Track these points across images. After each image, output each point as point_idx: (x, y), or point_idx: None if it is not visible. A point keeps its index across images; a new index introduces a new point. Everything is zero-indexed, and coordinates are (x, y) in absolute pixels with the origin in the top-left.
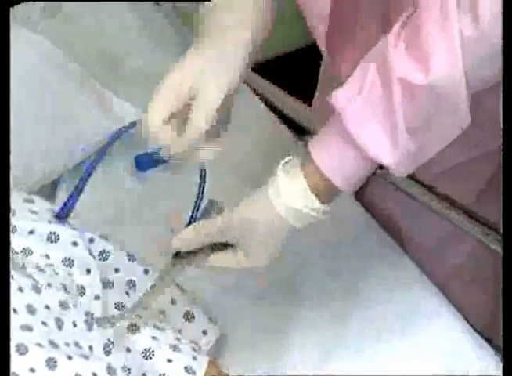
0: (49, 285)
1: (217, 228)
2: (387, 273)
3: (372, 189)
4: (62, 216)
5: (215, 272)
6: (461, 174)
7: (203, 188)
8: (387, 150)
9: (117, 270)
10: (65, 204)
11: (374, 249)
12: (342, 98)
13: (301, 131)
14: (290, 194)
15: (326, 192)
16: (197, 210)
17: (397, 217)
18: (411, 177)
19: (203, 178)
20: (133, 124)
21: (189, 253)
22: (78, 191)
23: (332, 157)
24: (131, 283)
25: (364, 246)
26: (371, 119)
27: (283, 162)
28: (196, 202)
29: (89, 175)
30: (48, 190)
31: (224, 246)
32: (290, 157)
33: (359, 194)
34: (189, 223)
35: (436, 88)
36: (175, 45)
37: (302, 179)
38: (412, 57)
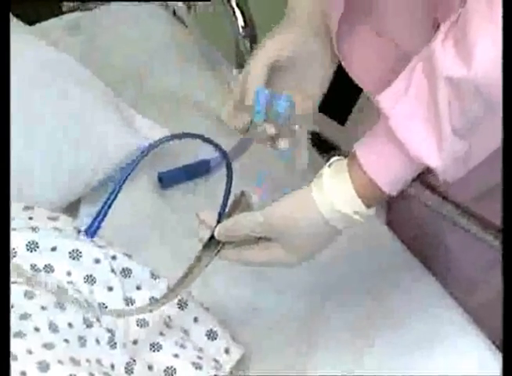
0: (73, 302)
1: (258, 221)
2: (410, 292)
3: (408, 209)
4: (90, 234)
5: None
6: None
7: (231, 181)
8: (433, 151)
9: (138, 288)
10: (92, 223)
11: (398, 268)
12: (388, 98)
13: (325, 148)
14: (334, 196)
15: (370, 195)
16: (225, 204)
17: (438, 241)
18: (447, 198)
19: (229, 171)
20: (159, 142)
21: (218, 243)
22: (106, 209)
23: (378, 159)
24: (154, 301)
25: (388, 265)
26: (417, 120)
27: (329, 162)
28: (224, 195)
29: (117, 193)
30: (72, 207)
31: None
32: (338, 158)
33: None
34: (220, 216)
35: (479, 82)
36: (199, 63)
37: (348, 182)
38: (458, 51)
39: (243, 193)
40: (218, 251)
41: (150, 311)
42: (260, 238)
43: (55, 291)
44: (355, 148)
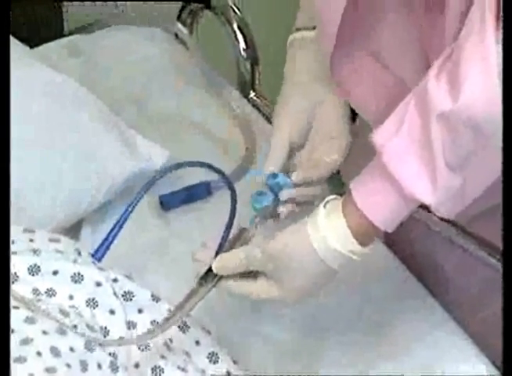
0: (75, 327)
1: (254, 255)
2: (412, 315)
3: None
4: (98, 257)
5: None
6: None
7: (234, 214)
8: (428, 188)
9: (140, 311)
10: (101, 246)
11: (399, 291)
12: (382, 135)
13: None
14: (329, 235)
15: (366, 233)
16: (227, 236)
17: (436, 260)
18: (447, 220)
19: (233, 204)
20: (166, 170)
21: (215, 276)
22: (115, 233)
23: (373, 197)
24: (155, 324)
25: (392, 289)
26: (410, 157)
27: (324, 201)
28: (226, 228)
29: (126, 219)
30: (73, 229)
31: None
32: (333, 197)
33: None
34: (219, 249)
35: (466, 114)
36: (200, 84)
37: (343, 221)
38: (450, 86)
39: (242, 229)
40: (216, 283)
41: (145, 340)
42: (258, 272)
43: (57, 318)
44: (350, 186)
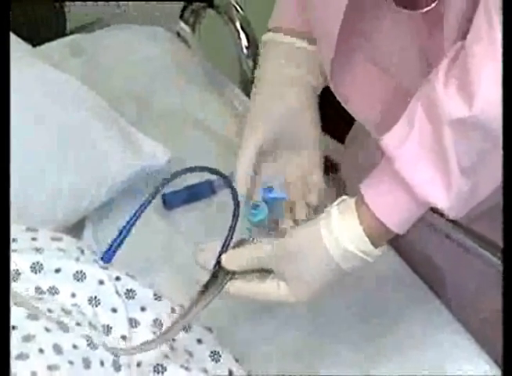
0: (78, 324)
1: (265, 252)
2: (417, 317)
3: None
4: (106, 261)
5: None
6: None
7: (237, 217)
8: (441, 192)
9: (143, 309)
10: (109, 249)
11: (405, 292)
12: (392, 141)
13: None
14: (342, 235)
15: (378, 235)
16: (231, 238)
17: (436, 259)
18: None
19: (236, 206)
20: (174, 176)
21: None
22: (121, 240)
23: (385, 201)
24: (158, 323)
25: (395, 288)
26: (422, 161)
27: (337, 201)
28: (229, 231)
29: (134, 223)
30: (76, 227)
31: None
32: (345, 197)
33: None
34: (221, 252)
35: (482, 120)
36: (202, 83)
37: (356, 221)
38: (461, 92)
39: (241, 241)
40: (222, 286)
41: (154, 348)
42: (265, 272)
43: (58, 320)
44: (361, 189)
